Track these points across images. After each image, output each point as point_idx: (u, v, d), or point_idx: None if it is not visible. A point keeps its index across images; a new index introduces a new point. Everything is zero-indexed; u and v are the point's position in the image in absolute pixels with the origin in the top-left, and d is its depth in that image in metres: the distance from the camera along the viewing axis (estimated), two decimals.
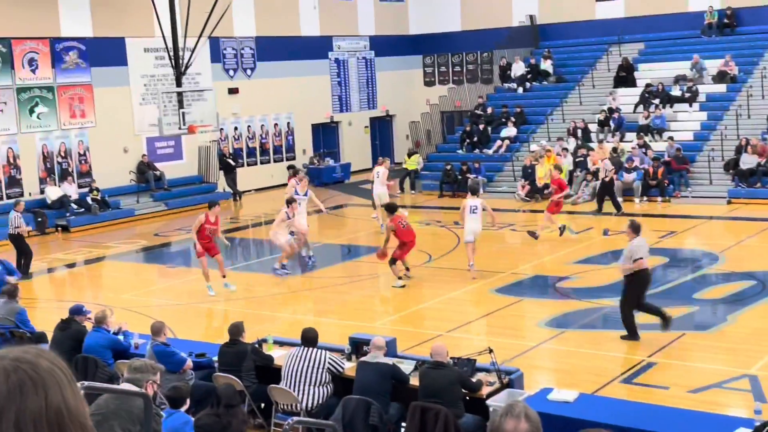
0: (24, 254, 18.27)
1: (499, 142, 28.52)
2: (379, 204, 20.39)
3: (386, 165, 21.83)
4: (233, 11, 27.72)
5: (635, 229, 11.88)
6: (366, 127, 34.65)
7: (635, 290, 11.88)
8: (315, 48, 32.13)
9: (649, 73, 28.94)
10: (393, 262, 15.75)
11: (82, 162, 25.63)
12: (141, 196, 26.05)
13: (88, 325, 10.71)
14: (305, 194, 18.02)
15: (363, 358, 9.04)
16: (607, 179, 22.55)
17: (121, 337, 10.53)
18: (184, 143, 28.03)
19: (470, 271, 16.12)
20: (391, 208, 16.20)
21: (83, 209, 24.41)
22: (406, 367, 9.10)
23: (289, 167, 23.17)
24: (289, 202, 17.14)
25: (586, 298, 14.44)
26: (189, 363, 9.61)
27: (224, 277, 16.08)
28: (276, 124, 31.29)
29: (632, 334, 12.03)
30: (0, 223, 21.26)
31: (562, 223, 19.52)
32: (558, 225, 19.42)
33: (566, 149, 25.88)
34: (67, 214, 23.99)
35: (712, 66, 27.85)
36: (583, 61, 31.22)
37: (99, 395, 6.36)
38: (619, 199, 23.75)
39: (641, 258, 11.65)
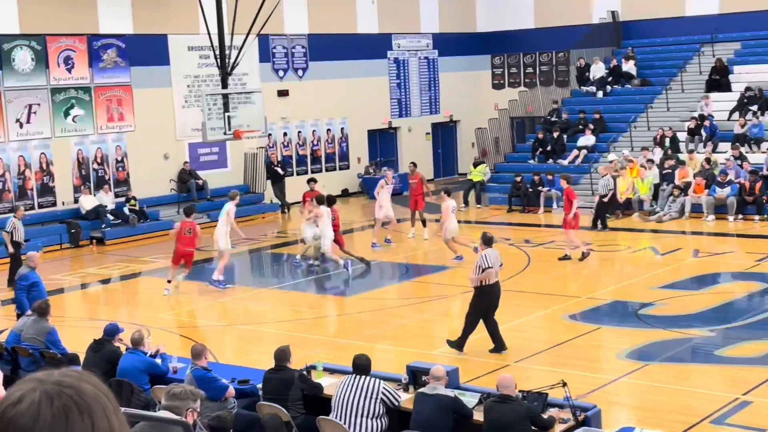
0: (14, 262, 18.49)
1: (575, 152, 28.32)
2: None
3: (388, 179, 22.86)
4: (284, 7, 28.05)
5: (486, 240, 13.13)
6: (427, 133, 34.69)
7: (482, 302, 12.95)
8: (372, 47, 32.32)
9: (745, 77, 28.49)
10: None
11: (120, 169, 26.12)
12: (182, 206, 26.39)
13: (122, 347, 10.88)
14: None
15: (421, 390, 9.03)
16: (605, 199, 22.88)
17: (158, 361, 10.67)
18: (229, 150, 28.38)
19: (458, 261, 19.09)
20: (329, 201, 19.69)
21: (120, 220, 24.85)
22: (470, 400, 9.07)
23: (310, 180, 22.99)
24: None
25: (672, 328, 14.23)
26: (231, 390, 9.70)
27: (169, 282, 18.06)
28: (329, 130, 31.51)
29: (460, 342, 13.01)
30: (33, 234, 21.75)
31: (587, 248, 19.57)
32: (583, 248, 19.47)
33: (651, 160, 25.57)
34: (103, 226, 24.44)
35: None
36: (672, 62, 30.86)
37: (135, 423, 6.46)
38: (711, 217, 23.44)
39: (489, 267, 12.69)
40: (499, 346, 13.06)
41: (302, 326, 15.71)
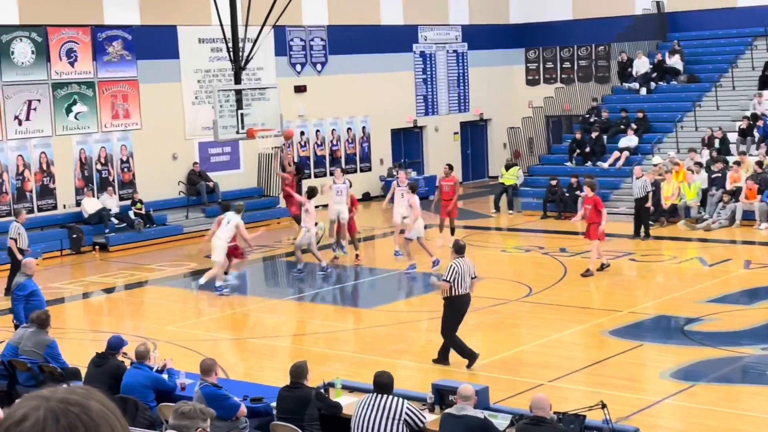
0: (16, 270, 18.59)
1: (616, 154, 28.22)
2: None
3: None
4: None
5: (458, 249, 13.41)
6: (456, 133, 34.68)
7: (450, 313, 13.29)
8: (397, 39, 32.35)
9: None
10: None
11: (125, 170, 26.26)
12: (191, 210, 26.53)
13: (126, 361, 10.93)
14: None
15: (448, 410, 9.03)
16: (647, 204, 22.66)
17: (165, 376, 10.72)
18: (242, 150, 28.48)
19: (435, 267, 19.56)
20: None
21: (124, 225, 24.98)
22: (500, 422, 9.06)
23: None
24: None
25: (722, 345, 14.17)
26: (243, 409, 9.73)
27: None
28: (349, 129, 31.56)
29: (469, 356, 13.24)
30: (31, 239, 21.89)
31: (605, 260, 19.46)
32: (603, 259, 19.36)
33: (699, 163, 25.45)
34: (106, 231, 24.56)
35: None
36: (721, 56, 30.74)
37: None
38: (764, 224, 23.28)
39: (447, 281, 13.00)
40: (442, 358, 13.44)
41: (320, 340, 15.73)
